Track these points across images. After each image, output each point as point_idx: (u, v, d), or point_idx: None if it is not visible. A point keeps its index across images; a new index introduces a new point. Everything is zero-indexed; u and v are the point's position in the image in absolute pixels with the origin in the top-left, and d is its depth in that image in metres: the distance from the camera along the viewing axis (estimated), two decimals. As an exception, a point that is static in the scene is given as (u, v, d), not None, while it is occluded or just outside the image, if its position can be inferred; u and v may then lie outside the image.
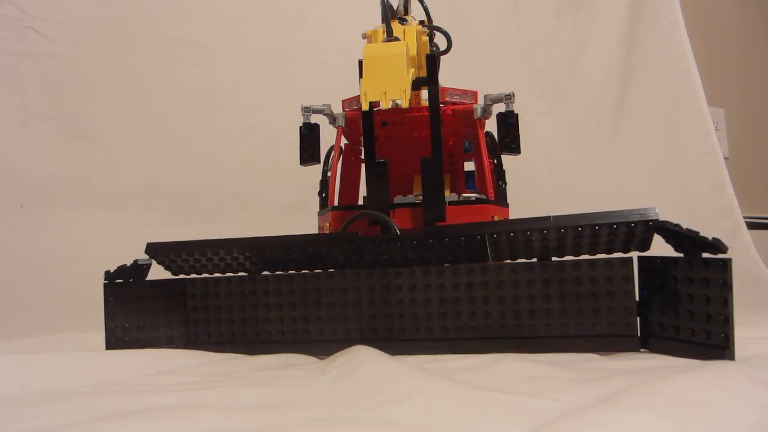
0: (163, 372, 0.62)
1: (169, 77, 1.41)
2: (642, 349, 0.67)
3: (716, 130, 1.85)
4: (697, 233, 0.59)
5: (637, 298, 0.67)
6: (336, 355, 0.66)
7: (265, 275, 0.75)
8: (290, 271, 0.76)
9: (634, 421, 0.35)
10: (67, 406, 0.47)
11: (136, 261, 0.76)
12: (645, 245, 0.67)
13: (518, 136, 0.88)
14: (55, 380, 0.59)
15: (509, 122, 0.88)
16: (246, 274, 0.77)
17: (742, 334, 0.79)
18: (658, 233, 0.64)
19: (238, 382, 0.57)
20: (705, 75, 1.81)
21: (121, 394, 0.51)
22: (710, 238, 0.58)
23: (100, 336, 0.75)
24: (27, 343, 0.93)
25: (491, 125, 0.94)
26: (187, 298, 0.78)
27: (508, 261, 0.71)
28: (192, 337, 0.78)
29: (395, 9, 0.90)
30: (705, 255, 0.60)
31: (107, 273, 0.75)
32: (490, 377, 0.55)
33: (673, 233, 0.62)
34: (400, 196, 0.86)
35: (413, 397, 0.46)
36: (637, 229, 0.64)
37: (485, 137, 0.93)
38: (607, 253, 0.68)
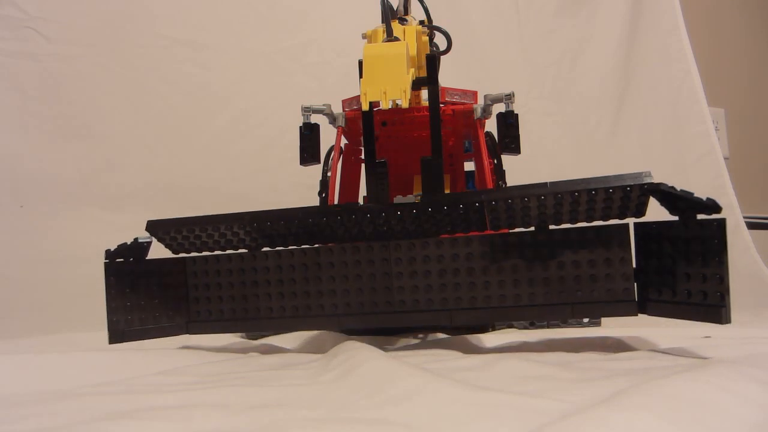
0: (163, 372, 0.63)
1: (169, 77, 1.41)
2: (640, 314, 0.67)
3: (716, 130, 1.85)
4: (692, 194, 0.60)
5: (634, 264, 0.67)
6: (335, 353, 0.66)
7: (265, 251, 0.76)
8: (290, 246, 0.76)
9: (634, 421, 0.35)
10: (67, 406, 0.47)
11: (136, 239, 0.76)
12: (641, 210, 0.67)
13: (518, 136, 0.89)
14: (55, 380, 0.59)
15: (509, 122, 0.88)
16: (246, 250, 0.77)
17: (742, 334, 0.79)
18: (653, 196, 0.64)
19: (238, 382, 0.57)
20: (705, 75, 1.81)
21: (121, 394, 0.51)
22: (705, 198, 0.59)
23: (101, 335, 0.75)
24: (28, 343, 0.93)
25: (491, 125, 0.94)
26: (188, 276, 0.78)
27: (506, 231, 0.71)
28: (194, 315, 0.78)
29: (395, 9, 0.90)
30: (700, 217, 0.60)
31: (107, 252, 0.75)
32: (490, 377, 0.55)
33: (667, 195, 0.62)
34: (400, 196, 0.86)
35: (413, 397, 0.46)
36: (632, 194, 0.64)
37: (485, 137, 0.93)
38: (604, 220, 0.68)
